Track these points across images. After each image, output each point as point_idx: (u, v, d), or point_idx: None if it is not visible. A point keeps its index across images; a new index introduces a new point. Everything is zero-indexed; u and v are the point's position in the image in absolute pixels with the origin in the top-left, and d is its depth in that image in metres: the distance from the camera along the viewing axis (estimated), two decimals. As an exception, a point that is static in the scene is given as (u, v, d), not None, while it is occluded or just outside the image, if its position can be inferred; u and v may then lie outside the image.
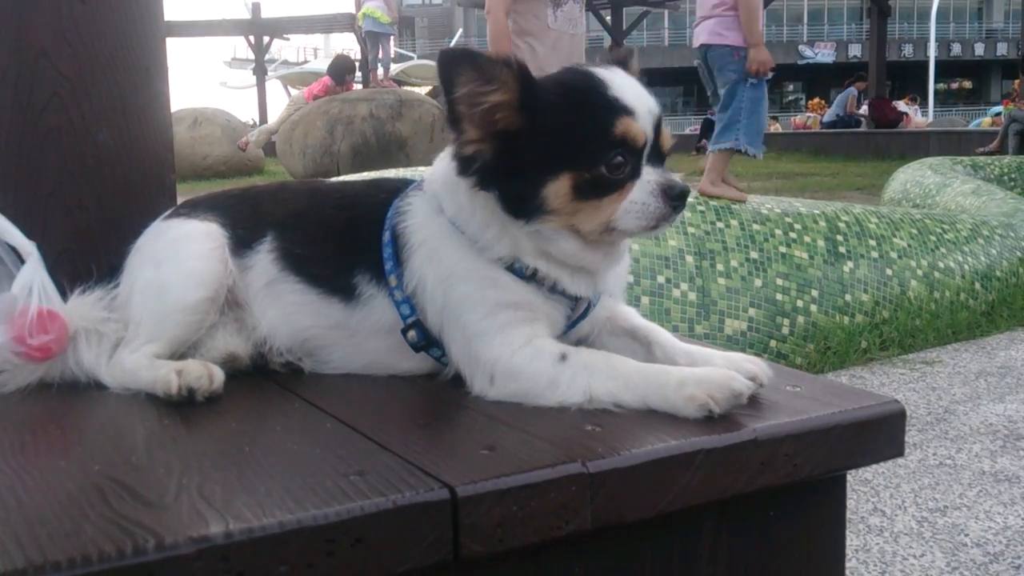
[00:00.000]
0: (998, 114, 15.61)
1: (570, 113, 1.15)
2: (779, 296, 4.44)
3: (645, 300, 4.14)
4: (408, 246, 1.23)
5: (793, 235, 4.75)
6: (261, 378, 1.28)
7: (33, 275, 1.28)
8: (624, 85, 1.17)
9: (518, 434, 1.02)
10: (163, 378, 1.19)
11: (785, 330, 4.38)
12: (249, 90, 29.22)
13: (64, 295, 1.32)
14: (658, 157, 1.18)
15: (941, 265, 5.06)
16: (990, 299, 5.11)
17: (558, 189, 1.14)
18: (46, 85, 1.54)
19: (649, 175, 1.16)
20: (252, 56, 25.77)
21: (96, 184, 1.32)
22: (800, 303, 4.47)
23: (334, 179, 1.42)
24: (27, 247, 1.31)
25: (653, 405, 1.09)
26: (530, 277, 1.19)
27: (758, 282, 4.43)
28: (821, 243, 4.77)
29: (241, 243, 1.33)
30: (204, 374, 1.20)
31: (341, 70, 12.28)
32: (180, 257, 1.30)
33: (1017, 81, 15.59)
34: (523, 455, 0.95)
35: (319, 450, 0.99)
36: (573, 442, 0.99)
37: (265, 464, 0.95)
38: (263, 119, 23.21)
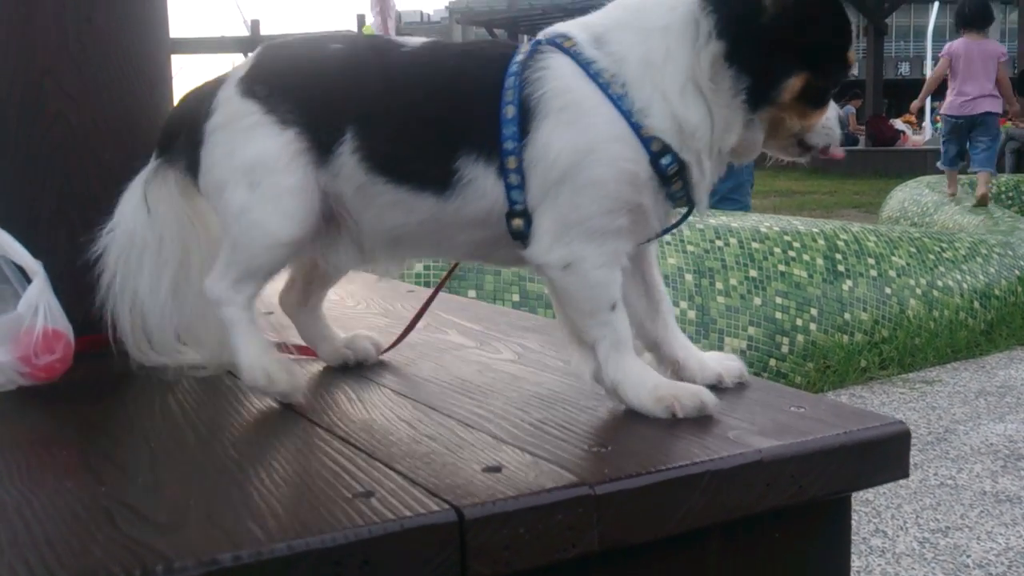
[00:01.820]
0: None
1: (828, 20, 1.18)
2: (778, 314, 4.45)
3: (645, 318, 4.14)
4: (542, 112, 1.13)
5: (792, 253, 4.77)
6: (260, 397, 1.28)
7: (39, 294, 1.28)
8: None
9: (524, 455, 1.02)
10: (252, 375, 1.23)
11: (785, 349, 4.38)
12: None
13: (69, 314, 1.32)
14: None
15: (940, 284, 5.07)
16: (989, 318, 5.12)
17: (794, 85, 1.15)
18: (51, 103, 1.55)
19: (831, 104, 1.23)
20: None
21: (102, 203, 1.32)
22: (799, 321, 4.48)
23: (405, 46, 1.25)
24: (33, 266, 1.31)
25: (623, 392, 1.17)
26: (670, 175, 1.14)
27: (757, 300, 4.44)
28: (820, 261, 4.78)
29: (323, 149, 1.22)
30: (289, 382, 1.23)
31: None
32: (271, 189, 1.22)
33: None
34: (530, 477, 0.95)
35: (325, 470, 0.99)
36: (579, 463, 0.99)
37: (271, 485, 0.95)
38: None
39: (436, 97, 1.20)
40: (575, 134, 1.12)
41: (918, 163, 15.31)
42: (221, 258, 1.27)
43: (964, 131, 8.25)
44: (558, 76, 1.13)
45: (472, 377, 1.35)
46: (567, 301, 1.19)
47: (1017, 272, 5.60)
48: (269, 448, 1.13)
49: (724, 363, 1.30)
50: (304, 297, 1.43)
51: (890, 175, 13.36)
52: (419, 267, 3.65)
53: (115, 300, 1.32)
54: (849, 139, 18.36)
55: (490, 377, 1.35)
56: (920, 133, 19.95)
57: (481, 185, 1.16)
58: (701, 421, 1.12)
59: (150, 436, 1.16)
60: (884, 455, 1.11)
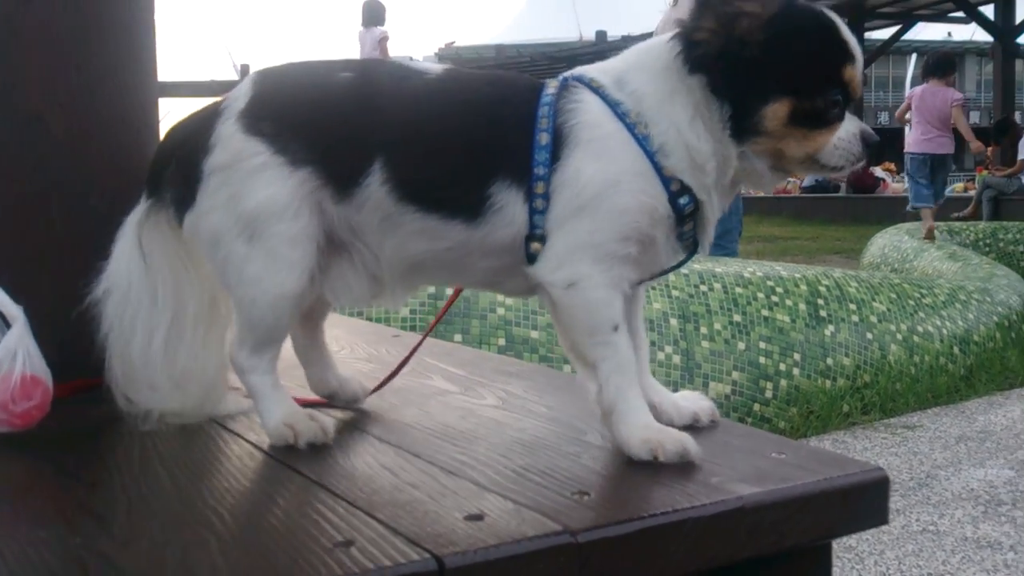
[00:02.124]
0: (971, 179, 15.89)
1: (809, 43, 1.20)
2: (762, 359, 4.46)
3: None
4: (572, 142, 1.17)
5: (775, 298, 4.79)
6: (241, 441, 1.27)
7: (19, 340, 1.27)
8: (849, 32, 1.23)
9: (506, 502, 1.02)
10: (278, 433, 1.23)
11: (768, 393, 4.39)
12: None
13: (49, 359, 1.31)
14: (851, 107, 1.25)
15: (920, 329, 5.11)
16: (969, 363, 5.15)
17: (777, 111, 1.17)
18: (38, 149, 1.55)
19: (851, 120, 1.22)
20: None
21: (86, 249, 1.32)
22: (783, 366, 4.49)
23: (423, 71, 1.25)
24: (13, 311, 1.30)
25: (615, 420, 1.17)
26: (686, 215, 1.19)
27: (741, 345, 4.45)
28: (803, 307, 4.81)
29: (345, 183, 1.20)
30: (317, 429, 1.23)
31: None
32: (273, 240, 1.20)
33: (990, 148, 15.89)
34: (512, 524, 0.94)
35: (304, 519, 0.98)
36: (562, 511, 0.99)
37: (249, 533, 0.94)
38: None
39: (470, 124, 1.22)
40: (604, 165, 1.16)
41: (898, 210, 15.47)
42: (236, 322, 1.28)
43: (928, 168, 8.65)
44: (590, 111, 1.19)
45: (456, 423, 1.35)
46: (569, 321, 1.20)
47: (995, 318, 5.64)
48: (248, 497, 1.12)
49: (698, 403, 1.32)
50: (306, 317, 1.40)
51: (871, 221, 13.47)
52: (405, 311, 3.64)
53: (108, 348, 1.30)
54: (830, 186, 18.57)
55: (474, 423, 1.35)
56: (900, 180, 20.17)
57: (511, 211, 1.18)
58: (683, 467, 1.12)
59: (128, 485, 1.14)
60: (864, 502, 1.11)
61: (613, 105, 1.19)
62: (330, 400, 1.43)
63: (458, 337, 3.63)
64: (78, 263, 1.32)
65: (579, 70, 1.25)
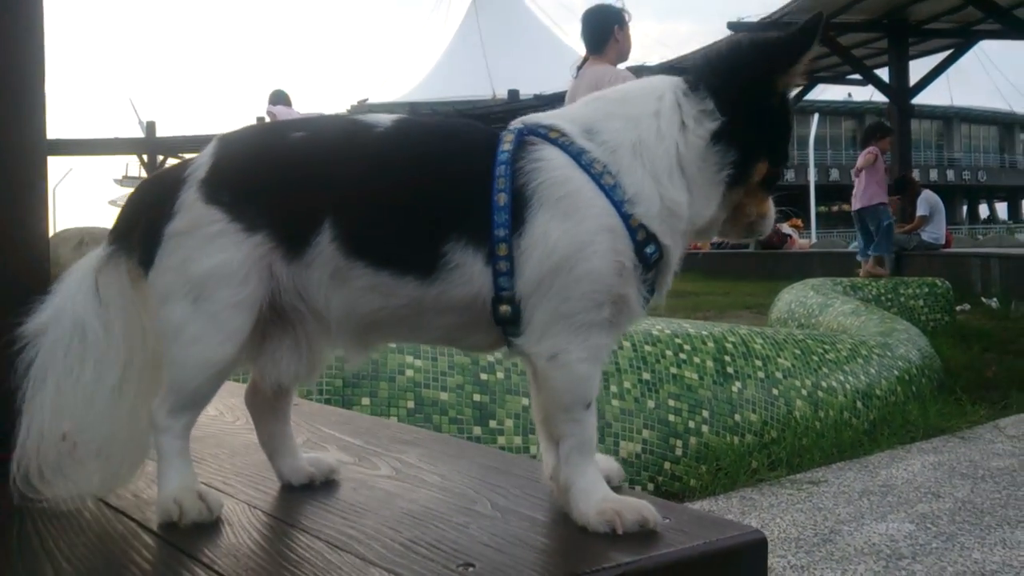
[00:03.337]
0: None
1: (786, 114, 1.27)
2: (672, 417, 4.52)
3: (540, 423, 4.16)
4: (536, 202, 1.16)
5: (683, 356, 4.87)
6: (121, 523, 1.25)
7: None
8: None
9: (501, 555, 1.05)
10: (165, 507, 1.22)
11: (679, 451, 4.44)
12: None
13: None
14: None
15: (824, 385, 5.25)
16: (872, 417, 5.30)
17: (762, 168, 1.25)
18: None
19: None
20: (145, 175, 25.48)
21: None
22: (692, 424, 4.56)
23: (379, 123, 1.25)
24: None
25: (571, 496, 1.18)
26: (652, 263, 1.20)
27: (651, 403, 4.51)
28: (710, 364, 4.90)
29: (295, 242, 1.21)
30: (203, 508, 1.22)
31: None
32: (216, 304, 1.21)
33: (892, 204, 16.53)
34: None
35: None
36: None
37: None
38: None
39: (421, 181, 1.21)
40: (572, 225, 1.15)
41: (806, 265, 15.96)
42: (164, 379, 1.26)
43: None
44: (554, 167, 1.18)
45: (347, 495, 1.35)
46: (548, 392, 1.20)
47: (896, 372, 5.83)
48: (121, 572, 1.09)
49: (609, 464, 1.35)
50: (273, 400, 1.38)
51: (779, 277, 13.84)
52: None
53: (34, 405, 1.24)
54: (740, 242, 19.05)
55: (365, 495, 1.35)
56: (806, 236, 20.82)
57: (468, 271, 1.18)
58: (564, 535, 1.14)
59: (4, 571, 1.11)
60: (743, 564, 1.14)
61: (576, 155, 1.18)
62: (309, 484, 1.39)
63: (366, 400, 3.60)
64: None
65: (533, 119, 1.25)
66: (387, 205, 1.20)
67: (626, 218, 1.17)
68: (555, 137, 1.20)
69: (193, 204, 1.23)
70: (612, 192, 1.17)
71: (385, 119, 1.27)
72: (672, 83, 1.26)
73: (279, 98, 10.84)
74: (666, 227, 1.20)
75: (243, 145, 1.30)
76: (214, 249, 1.21)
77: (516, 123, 1.25)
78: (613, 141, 1.21)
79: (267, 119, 10.66)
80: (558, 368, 1.18)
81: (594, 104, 1.28)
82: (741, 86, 1.22)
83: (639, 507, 1.16)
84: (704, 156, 1.22)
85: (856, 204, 10.21)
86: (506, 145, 1.20)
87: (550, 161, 1.18)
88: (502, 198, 1.16)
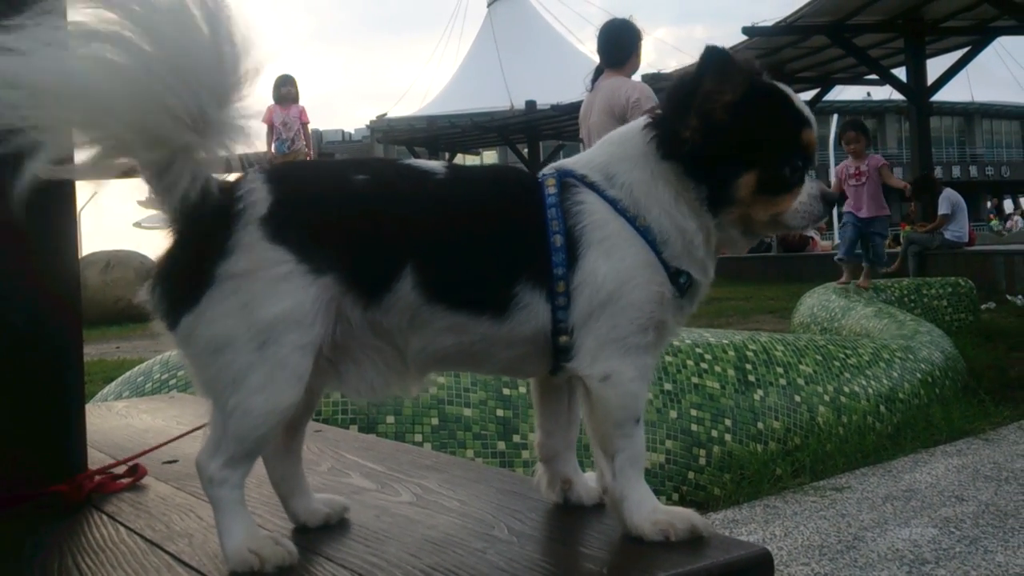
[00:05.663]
0: (896, 236, 16.41)
1: (770, 118, 1.32)
2: (694, 427, 4.54)
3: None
4: (584, 243, 1.28)
5: (704, 365, 4.90)
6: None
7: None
8: (801, 100, 1.35)
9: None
10: (242, 559, 1.19)
11: (702, 461, 4.46)
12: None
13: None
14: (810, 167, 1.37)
15: (846, 390, 5.25)
16: (895, 421, 5.30)
17: (747, 181, 1.30)
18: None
19: (811, 181, 1.35)
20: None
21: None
22: (715, 433, 4.58)
23: (432, 171, 1.31)
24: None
25: (625, 508, 1.27)
26: (686, 290, 1.31)
27: (673, 414, 4.54)
28: (731, 372, 4.92)
29: (374, 286, 1.22)
30: (284, 553, 1.21)
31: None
32: (284, 348, 1.17)
33: (913, 205, 16.45)
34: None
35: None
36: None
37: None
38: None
39: (486, 226, 1.30)
40: (615, 263, 1.28)
41: (828, 267, 15.89)
42: (211, 431, 1.22)
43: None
44: (595, 211, 1.30)
45: (369, 522, 1.40)
46: (600, 411, 1.29)
47: (919, 375, 5.82)
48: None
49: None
50: (286, 439, 1.36)
51: (802, 280, 13.81)
52: (336, 396, 3.65)
53: None
54: (761, 245, 19.02)
55: (387, 522, 1.40)
56: (828, 238, 20.72)
57: (535, 308, 1.27)
58: (571, 560, 1.20)
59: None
60: (750, 583, 1.18)
61: (612, 203, 1.30)
62: (325, 524, 1.39)
63: (390, 419, 3.66)
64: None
65: (565, 165, 1.36)
66: (462, 250, 1.27)
67: (659, 254, 1.29)
68: (590, 183, 1.32)
69: (256, 243, 1.17)
70: (646, 233, 1.30)
71: (436, 166, 1.33)
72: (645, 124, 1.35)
73: (285, 82, 10.86)
74: (690, 259, 1.32)
75: (305, 183, 1.28)
76: (284, 292, 1.17)
77: (549, 169, 1.36)
78: (626, 182, 1.32)
79: (267, 117, 10.70)
80: (611, 387, 1.27)
81: (605, 147, 1.38)
82: (679, 119, 1.29)
83: (688, 516, 1.26)
84: (686, 187, 1.31)
85: (864, 212, 9.40)
86: (551, 188, 1.31)
87: (590, 204, 1.30)
88: (558, 239, 1.27)
